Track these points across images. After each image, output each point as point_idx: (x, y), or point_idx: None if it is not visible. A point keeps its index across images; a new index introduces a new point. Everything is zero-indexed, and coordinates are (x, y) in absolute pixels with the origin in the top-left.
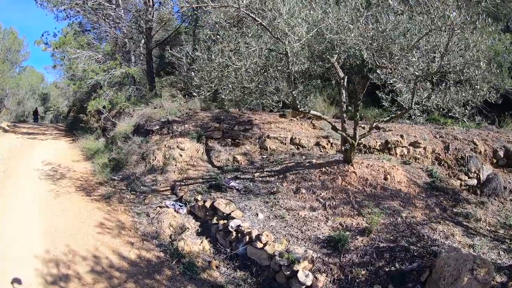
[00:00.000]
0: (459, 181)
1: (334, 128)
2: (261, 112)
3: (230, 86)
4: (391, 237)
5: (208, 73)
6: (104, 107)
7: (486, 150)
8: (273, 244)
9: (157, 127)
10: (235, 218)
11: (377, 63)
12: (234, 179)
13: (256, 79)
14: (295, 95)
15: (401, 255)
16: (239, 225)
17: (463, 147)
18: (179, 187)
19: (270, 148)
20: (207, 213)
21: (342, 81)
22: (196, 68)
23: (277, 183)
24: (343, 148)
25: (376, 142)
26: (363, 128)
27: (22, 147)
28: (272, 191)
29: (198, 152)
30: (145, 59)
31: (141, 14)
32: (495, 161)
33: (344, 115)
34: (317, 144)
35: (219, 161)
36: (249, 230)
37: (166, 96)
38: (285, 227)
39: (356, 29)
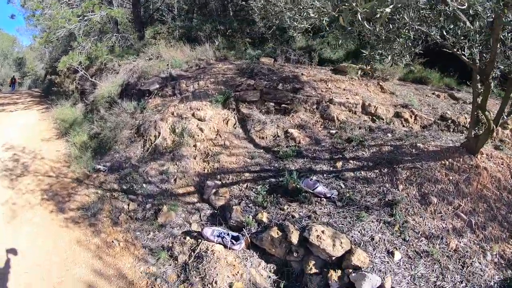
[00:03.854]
0: None
1: (482, 107)
2: (307, 65)
3: None
4: None
5: None
6: (80, 63)
7: None
8: None
9: (157, 85)
10: (359, 266)
11: None
12: (308, 174)
13: None
14: None
15: None
16: (380, 287)
17: None
18: (213, 189)
19: (337, 118)
20: (291, 252)
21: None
22: None
23: (387, 185)
24: (472, 133)
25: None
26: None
27: None
28: (387, 200)
29: (227, 123)
30: (131, 1)
31: None
32: None
33: (479, 85)
34: (397, 115)
35: (263, 138)
36: None
37: (163, 44)
38: (441, 274)
39: None
